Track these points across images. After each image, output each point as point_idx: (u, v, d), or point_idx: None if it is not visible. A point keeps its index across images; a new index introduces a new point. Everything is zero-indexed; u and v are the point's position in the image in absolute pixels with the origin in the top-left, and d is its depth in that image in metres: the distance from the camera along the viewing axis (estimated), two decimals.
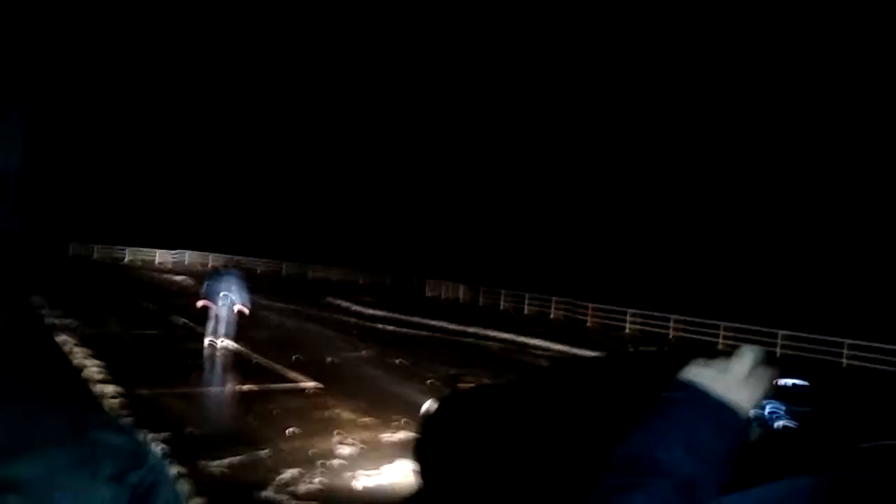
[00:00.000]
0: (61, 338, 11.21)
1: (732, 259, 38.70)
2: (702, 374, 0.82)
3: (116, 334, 12.24)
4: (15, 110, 0.60)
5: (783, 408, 0.87)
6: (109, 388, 7.99)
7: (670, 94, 47.99)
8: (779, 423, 0.88)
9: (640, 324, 24.10)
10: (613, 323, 24.86)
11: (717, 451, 0.76)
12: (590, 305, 26.29)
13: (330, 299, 25.11)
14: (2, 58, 0.55)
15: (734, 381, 0.81)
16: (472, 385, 9.81)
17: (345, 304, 23.93)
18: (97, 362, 9.47)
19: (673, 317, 23.07)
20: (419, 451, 5.08)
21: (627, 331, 23.97)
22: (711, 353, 0.96)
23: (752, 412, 0.82)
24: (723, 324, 21.62)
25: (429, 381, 10.42)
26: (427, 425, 5.09)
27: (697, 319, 22.33)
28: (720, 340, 21.01)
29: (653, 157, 48.53)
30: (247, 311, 11.91)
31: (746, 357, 0.84)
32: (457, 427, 4.89)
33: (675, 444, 0.75)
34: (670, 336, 22.59)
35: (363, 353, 12.90)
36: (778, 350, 19.99)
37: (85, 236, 40.22)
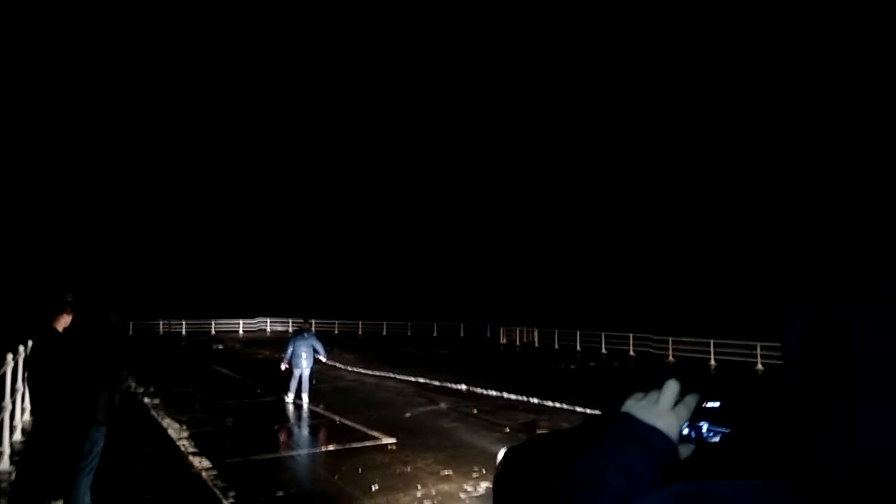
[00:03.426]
0: (157, 413, 11.90)
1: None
2: (634, 406, 1.00)
3: (205, 406, 12.85)
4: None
5: (709, 427, 1.02)
6: (203, 460, 8.45)
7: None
8: (713, 440, 1.03)
9: (724, 353, 23.28)
10: (696, 356, 24.11)
11: (648, 469, 0.92)
12: (670, 339, 25.63)
13: (403, 353, 25.47)
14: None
15: (662, 409, 0.98)
16: (547, 430, 9.79)
17: (418, 357, 24.21)
18: (189, 435, 10.02)
19: (759, 344, 22.21)
20: (496, 500, 5.19)
21: (713, 362, 23.19)
22: (654, 385, 1.09)
23: (684, 432, 0.99)
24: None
25: (506, 429, 10.46)
26: (502, 474, 5.21)
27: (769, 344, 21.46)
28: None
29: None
30: (324, 358, 13.36)
31: (672, 387, 1.00)
32: (530, 474, 4.98)
33: (611, 465, 0.92)
34: (758, 366, 21.73)
35: (441, 405, 13.05)
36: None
37: (173, 312, 42.34)
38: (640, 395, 1.02)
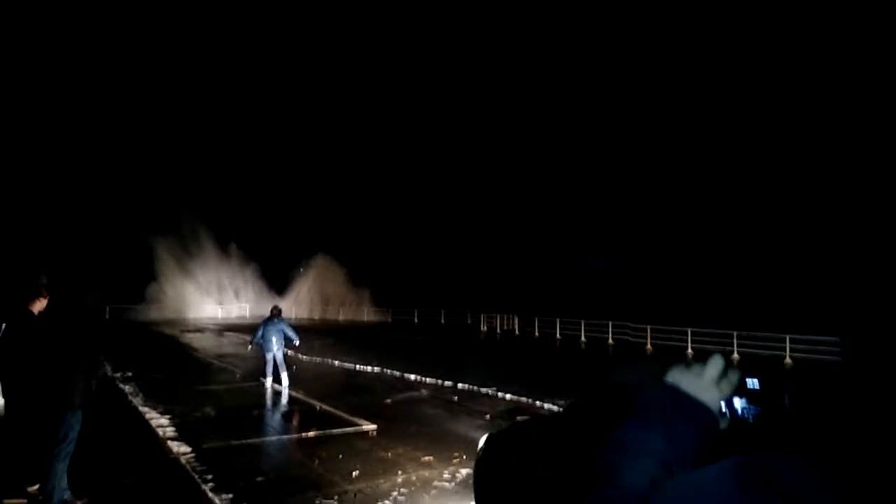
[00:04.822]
0: (134, 399, 11.78)
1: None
2: (680, 378, 1.03)
3: (183, 392, 12.75)
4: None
5: (744, 406, 1.06)
6: (181, 445, 8.38)
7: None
8: (747, 417, 1.07)
9: (701, 342, 23.59)
10: (674, 344, 24.39)
11: (689, 438, 0.96)
12: (648, 327, 25.88)
13: (384, 339, 25.48)
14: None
15: (706, 383, 1.01)
16: (529, 417, 9.85)
17: (401, 343, 24.22)
18: (167, 420, 9.94)
19: (735, 332, 22.53)
20: (477, 486, 5.20)
21: (690, 351, 23.47)
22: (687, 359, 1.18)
23: (722, 408, 1.02)
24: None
25: (487, 416, 10.51)
26: (483, 460, 5.21)
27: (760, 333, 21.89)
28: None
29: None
30: (297, 343, 13.65)
31: (716, 363, 1.04)
32: (512, 460, 4.99)
33: (654, 431, 0.96)
34: (734, 355, 22.03)
35: (422, 392, 13.07)
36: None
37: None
38: (682, 367, 1.04)
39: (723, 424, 1.03)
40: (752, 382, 1.06)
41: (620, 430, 0.99)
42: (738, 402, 1.04)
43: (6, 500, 5.90)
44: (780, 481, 0.77)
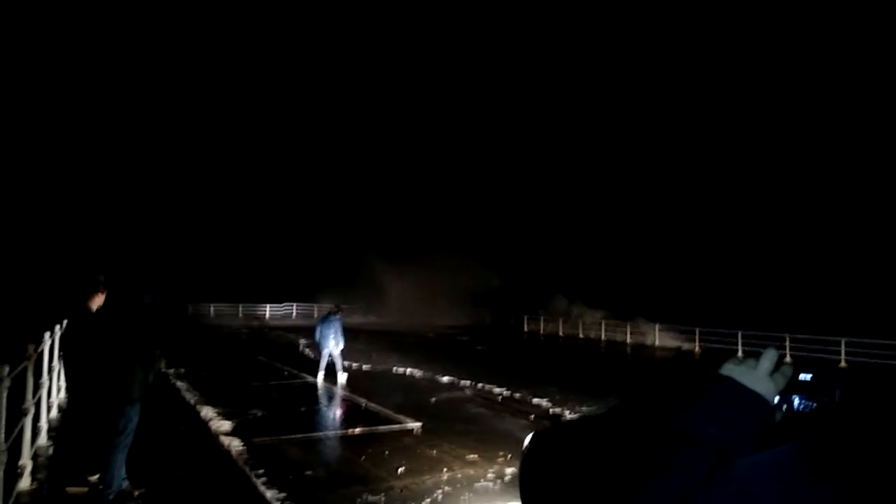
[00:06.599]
0: (187, 394, 12.12)
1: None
2: (735, 370, 1.05)
3: (235, 388, 13.05)
4: None
5: (800, 400, 1.08)
6: (233, 439, 8.59)
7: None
8: (804, 410, 1.10)
9: (753, 345, 22.99)
10: (722, 346, 23.85)
11: (746, 429, 0.98)
12: (697, 329, 25.34)
13: (427, 340, 25.58)
14: None
15: (760, 375, 1.03)
16: (573, 416, 9.79)
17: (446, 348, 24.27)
18: (220, 415, 10.19)
19: (788, 335, 21.91)
20: (522, 485, 5.20)
21: (740, 354, 22.88)
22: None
23: (776, 400, 1.04)
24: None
25: (531, 416, 10.47)
26: (529, 457, 5.21)
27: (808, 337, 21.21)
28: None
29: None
30: (339, 347, 13.69)
31: (770, 356, 1.05)
32: (559, 456, 4.98)
33: (712, 422, 0.98)
34: (787, 359, 21.43)
35: (466, 392, 13.10)
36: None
37: (199, 296, 42.94)
38: (737, 359, 1.07)
39: (777, 417, 1.05)
40: (805, 376, 1.08)
41: (677, 421, 1.00)
42: (793, 396, 1.06)
43: (69, 489, 6.15)
44: (847, 464, 0.79)
